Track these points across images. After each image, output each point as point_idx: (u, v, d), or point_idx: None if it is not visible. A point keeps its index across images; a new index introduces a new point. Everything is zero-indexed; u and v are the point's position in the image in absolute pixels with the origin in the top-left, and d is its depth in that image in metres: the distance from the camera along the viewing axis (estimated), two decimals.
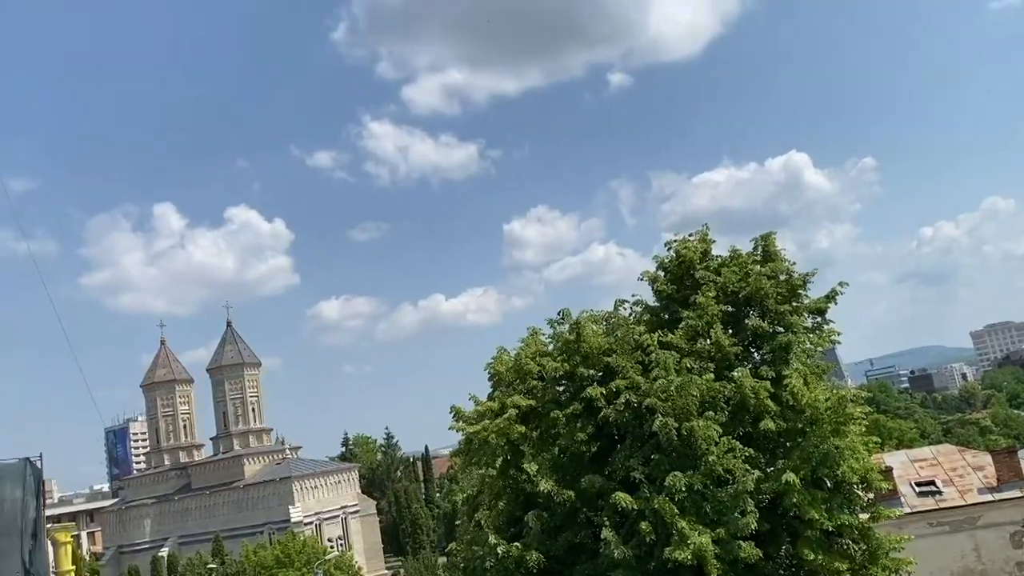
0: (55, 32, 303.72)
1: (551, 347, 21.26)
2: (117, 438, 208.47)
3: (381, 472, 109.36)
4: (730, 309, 20.57)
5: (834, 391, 19.54)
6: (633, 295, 22.13)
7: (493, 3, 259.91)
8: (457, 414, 20.88)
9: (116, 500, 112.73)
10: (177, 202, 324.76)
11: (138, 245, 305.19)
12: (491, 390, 21.59)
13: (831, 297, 21.02)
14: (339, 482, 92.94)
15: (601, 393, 18.77)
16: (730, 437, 17.81)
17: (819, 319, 21.17)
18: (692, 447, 17.54)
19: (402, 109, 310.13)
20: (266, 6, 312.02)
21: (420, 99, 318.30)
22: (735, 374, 18.85)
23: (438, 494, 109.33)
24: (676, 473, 17.19)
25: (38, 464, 27.71)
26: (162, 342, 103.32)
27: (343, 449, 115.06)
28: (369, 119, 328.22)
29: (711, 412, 18.09)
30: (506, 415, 19.44)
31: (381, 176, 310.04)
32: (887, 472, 28.00)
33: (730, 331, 20.40)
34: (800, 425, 18.68)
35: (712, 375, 18.77)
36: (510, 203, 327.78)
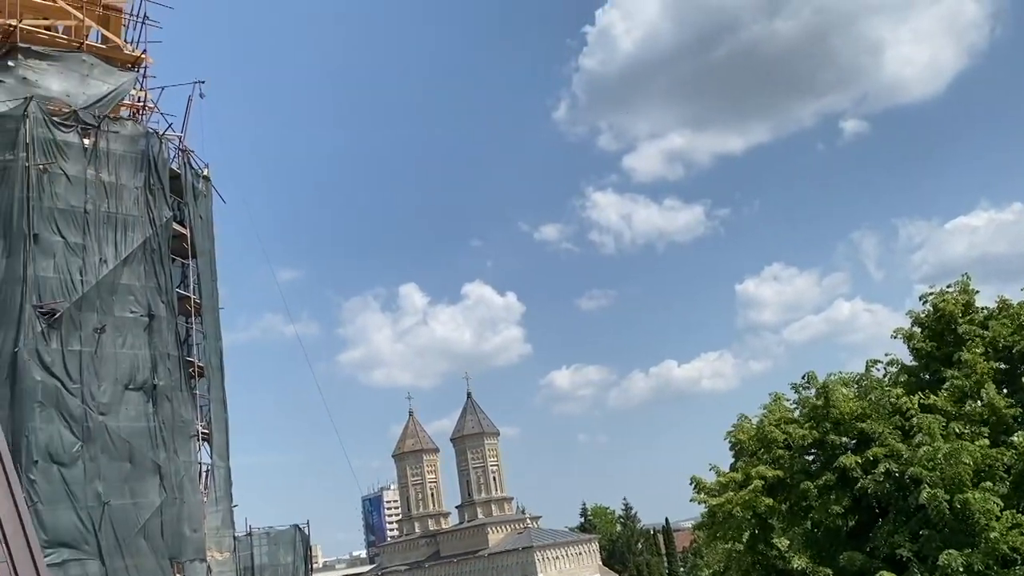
0: (313, 143, 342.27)
1: (796, 413, 20.77)
2: (372, 506, 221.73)
3: (621, 544, 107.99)
4: (1003, 366, 19.22)
5: None
6: (886, 354, 21.26)
7: (711, 64, 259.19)
8: (698, 485, 20.65)
9: (373, 566, 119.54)
10: (420, 282, 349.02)
11: (387, 323, 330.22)
12: (733, 460, 21.22)
13: None
14: (580, 553, 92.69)
15: (856, 462, 17.94)
16: (1015, 511, 16.23)
17: None
18: (968, 522, 16.09)
19: (624, 178, 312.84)
20: (491, 94, 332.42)
21: (641, 166, 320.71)
22: (1015, 439, 17.38)
23: (682, 568, 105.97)
24: (951, 552, 15.77)
25: (305, 531, 30.37)
26: (410, 413, 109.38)
27: (581, 519, 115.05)
28: (592, 190, 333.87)
29: (988, 482, 16.62)
30: (751, 486, 18.99)
31: (606, 244, 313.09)
32: None
33: (1005, 391, 18.86)
34: None
35: (986, 440, 17.32)
36: (741, 262, 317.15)
